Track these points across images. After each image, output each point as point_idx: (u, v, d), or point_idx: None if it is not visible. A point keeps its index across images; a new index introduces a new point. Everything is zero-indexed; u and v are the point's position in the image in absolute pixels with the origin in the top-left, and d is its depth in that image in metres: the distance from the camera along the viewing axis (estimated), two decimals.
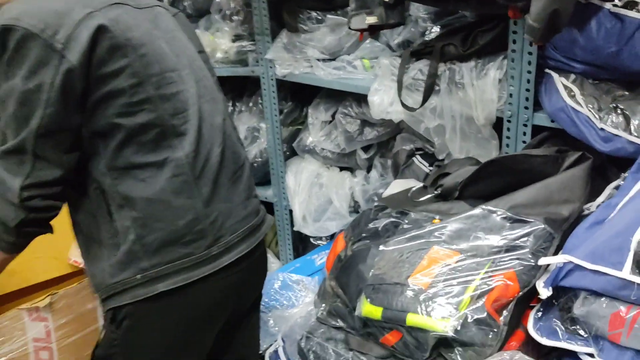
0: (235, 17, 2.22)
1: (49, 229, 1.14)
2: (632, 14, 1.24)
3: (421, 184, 1.59)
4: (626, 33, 1.25)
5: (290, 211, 2.32)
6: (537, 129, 1.51)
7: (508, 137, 1.55)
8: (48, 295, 1.34)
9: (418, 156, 1.87)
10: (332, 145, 2.15)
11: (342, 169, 2.23)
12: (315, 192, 2.22)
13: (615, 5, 1.27)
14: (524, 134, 1.51)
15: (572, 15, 1.29)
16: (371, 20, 1.46)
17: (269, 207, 2.44)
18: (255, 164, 2.39)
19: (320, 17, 2.01)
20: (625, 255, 0.95)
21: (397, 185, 1.71)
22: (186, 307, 1.18)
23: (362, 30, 1.52)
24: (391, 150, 2.01)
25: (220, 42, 2.29)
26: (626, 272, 0.94)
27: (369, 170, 2.15)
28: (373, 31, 1.52)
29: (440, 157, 1.75)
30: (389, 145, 2.09)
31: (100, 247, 1.15)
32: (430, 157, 1.84)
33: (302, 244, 2.45)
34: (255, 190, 1.36)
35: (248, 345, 1.45)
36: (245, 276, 1.27)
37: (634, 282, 0.93)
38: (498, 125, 1.57)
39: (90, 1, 1.05)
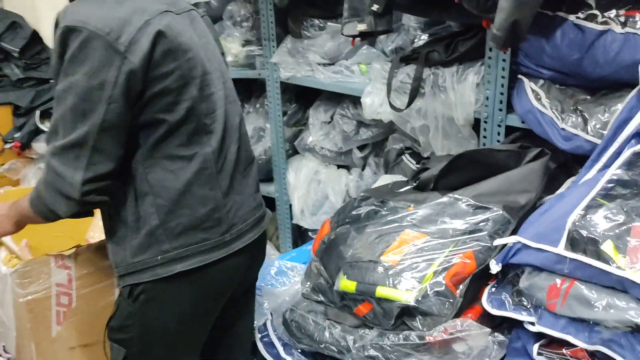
0: (244, 24, 2.39)
1: (91, 214, 1.29)
2: (591, 25, 1.38)
3: (405, 178, 1.73)
4: (587, 42, 1.38)
5: (291, 206, 2.48)
6: (510, 129, 1.65)
7: (485, 137, 1.68)
8: (74, 247, 1.52)
9: (407, 154, 2.01)
10: (330, 144, 2.30)
11: (339, 166, 2.38)
12: (314, 188, 2.37)
13: (578, 17, 1.41)
14: (499, 134, 1.65)
15: (542, 26, 1.44)
16: (361, 27, 1.62)
17: (271, 202, 2.60)
18: (259, 161, 2.55)
19: (322, 25, 2.17)
20: (561, 234, 1.08)
21: (384, 180, 1.85)
22: (199, 285, 1.31)
23: (354, 37, 1.68)
24: (384, 150, 2.16)
25: (230, 46, 2.47)
26: (561, 249, 1.07)
27: (363, 168, 2.30)
28: (364, 37, 1.68)
29: (425, 155, 1.89)
30: (383, 145, 2.23)
31: (123, 228, 1.26)
32: (418, 156, 1.98)
33: (301, 237, 2.60)
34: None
35: (245, 320, 1.60)
36: (249, 260, 1.42)
37: (566, 257, 1.06)
38: (477, 126, 1.71)
39: (145, 9, 1.16)
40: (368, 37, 1.77)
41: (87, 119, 1.11)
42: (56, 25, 1.15)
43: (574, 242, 1.06)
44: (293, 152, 2.52)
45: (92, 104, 1.11)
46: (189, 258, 1.27)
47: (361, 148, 2.29)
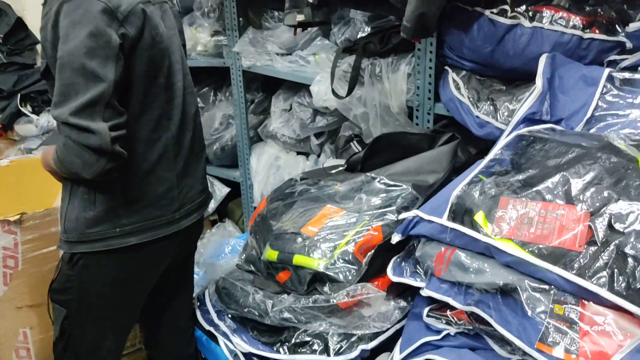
0: (212, 15, 2.51)
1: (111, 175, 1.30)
2: (502, 19, 1.49)
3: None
4: (498, 35, 1.49)
5: (252, 189, 2.59)
6: (440, 117, 1.76)
7: (417, 124, 1.80)
8: (19, 214, 1.63)
9: (355, 141, 2.12)
10: (289, 131, 2.42)
11: (298, 153, 2.49)
12: (273, 173, 2.49)
13: (492, 12, 1.52)
14: (429, 121, 1.76)
15: (462, 20, 1.56)
16: (300, 18, 1.73)
17: (236, 186, 2.72)
18: (226, 147, 2.68)
19: (280, 16, 2.29)
20: (445, 206, 1.19)
21: (328, 164, 1.96)
22: (138, 256, 1.43)
23: (294, 27, 1.79)
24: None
25: (200, 36, 2.59)
26: (444, 219, 1.18)
27: (320, 154, 2.41)
28: (304, 27, 1.79)
29: (367, 142, 2.00)
30: (338, 132, 2.34)
31: (84, 199, 1.36)
32: (364, 143, 2.09)
33: None
34: None
35: (185, 287, 1.72)
36: (189, 236, 1.57)
37: (447, 227, 1.17)
38: (411, 114, 1.82)
39: None
40: (306, 27, 1.88)
41: (99, 77, 1.16)
42: None
43: (455, 214, 1.17)
44: (258, 139, 2.64)
45: (101, 61, 1.16)
46: (143, 232, 1.40)
47: (318, 135, 2.41)
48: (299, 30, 2.23)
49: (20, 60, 3.09)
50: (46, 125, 2.99)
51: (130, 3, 1.23)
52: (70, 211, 1.39)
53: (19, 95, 2.96)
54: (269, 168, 2.50)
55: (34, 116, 2.96)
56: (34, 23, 3.24)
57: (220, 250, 2.22)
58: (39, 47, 3.26)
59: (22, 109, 2.98)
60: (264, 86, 2.66)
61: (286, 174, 2.42)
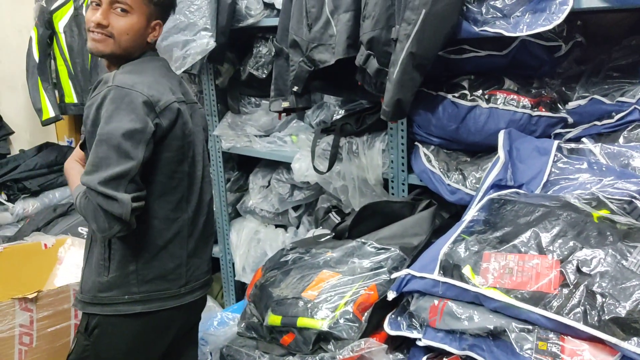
0: None
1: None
2: (463, 102, 1.73)
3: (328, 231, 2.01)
4: (460, 115, 1.74)
5: (234, 264, 2.70)
6: (413, 187, 1.97)
7: (393, 194, 2.00)
8: (35, 292, 1.71)
9: (333, 212, 2.30)
10: (268, 206, 2.57)
11: (277, 226, 2.64)
12: (254, 246, 2.62)
13: (454, 96, 1.77)
14: (403, 191, 1.97)
15: (428, 103, 1.80)
16: (285, 104, 1.94)
17: (216, 261, 2.82)
18: None
19: (257, 102, 2.50)
20: (435, 263, 1.37)
21: (315, 234, 2.12)
22: (149, 324, 1.55)
23: (279, 112, 2.00)
24: (315, 209, 2.44)
25: None
26: (435, 275, 1.35)
27: (298, 226, 2.57)
28: (288, 112, 2.00)
29: (347, 212, 2.18)
30: (315, 204, 2.52)
31: (101, 264, 1.50)
32: (342, 213, 2.28)
33: (243, 293, 2.81)
34: None
35: (189, 353, 1.81)
36: (193, 310, 1.71)
37: (439, 281, 1.34)
38: (387, 185, 2.03)
39: (174, 92, 1.49)
40: (290, 113, 2.10)
41: (130, 156, 1.34)
42: (99, 83, 1.44)
43: (444, 269, 1.35)
44: (235, 214, 2.78)
45: (134, 143, 1.35)
46: (150, 302, 1.53)
47: (296, 208, 2.57)
48: (276, 114, 2.46)
49: None
50: (21, 212, 3.03)
51: (167, 100, 1.43)
52: (87, 274, 1.53)
53: None
54: (249, 242, 2.63)
55: (9, 204, 3.00)
56: (9, 115, 3.34)
57: (208, 323, 2.29)
58: (12, 137, 3.35)
59: None
60: (240, 165, 2.83)
61: (267, 246, 2.56)
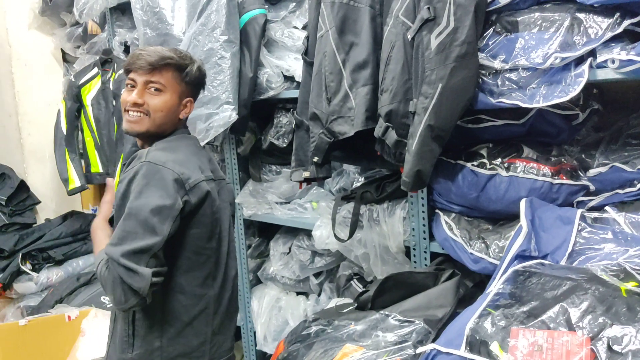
0: None
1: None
2: (482, 171, 1.74)
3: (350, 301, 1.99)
4: (480, 184, 1.74)
5: (255, 333, 2.67)
6: (435, 255, 1.96)
7: (415, 262, 1.98)
8: None
9: (355, 279, 2.29)
10: (289, 272, 2.57)
11: (298, 293, 2.62)
12: (275, 315, 2.59)
13: (473, 165, 1.78)
14: (425, 258, 1.95)
15: (447, 172, 1.81)
16: (306, 174, 1.97)
17: (237, 330, 2.79)
18: None
19: (278, 170, 2.54)
20: (462, 338, 1.34)
21: (335, 304, 2.10)
22: None
23: (300, 182, 2.03)
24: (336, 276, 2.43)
25: None
26: (462, 351, 1.32)
27: (320, 293, 2.55)
28: (308, 182, 2.02)
29: (369, 280, 2.17)
30: (336, 271, 2.50)
31: (122, 340, 1.51)
32: (364, 280, 2.26)
33: None
34: None
35: None
36: None
37: (466, 358, 1.31)
38: (409, 252, 2.01)
39: (203, 170, 1.54)
40: (311, 182, 2.12)
41: (155, 231, 1.37)
42: (133, 159, 1.49)
43: (471, 345, 1.32)
44: (256, 281, 2.78)
45: (162, 219, 1.38)
46: None
47: (317, 275, 2.56)
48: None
49: (21, 220, 3.22)
50: (45, 282, 3.06)
51: (197, 178, 1.48)
52: (112, 351, 1.54)
53: (20, 254, 3.05)
54: (270, 310, 2.61)
55: (34, 274, 3.04)
56: (36, 185, 3.43)
57: None
58: (38, 207, 3.42)
59: (23, 267, 3.06)
60: (260, 231, 2.85)
61: (288, 314, 2.53)
